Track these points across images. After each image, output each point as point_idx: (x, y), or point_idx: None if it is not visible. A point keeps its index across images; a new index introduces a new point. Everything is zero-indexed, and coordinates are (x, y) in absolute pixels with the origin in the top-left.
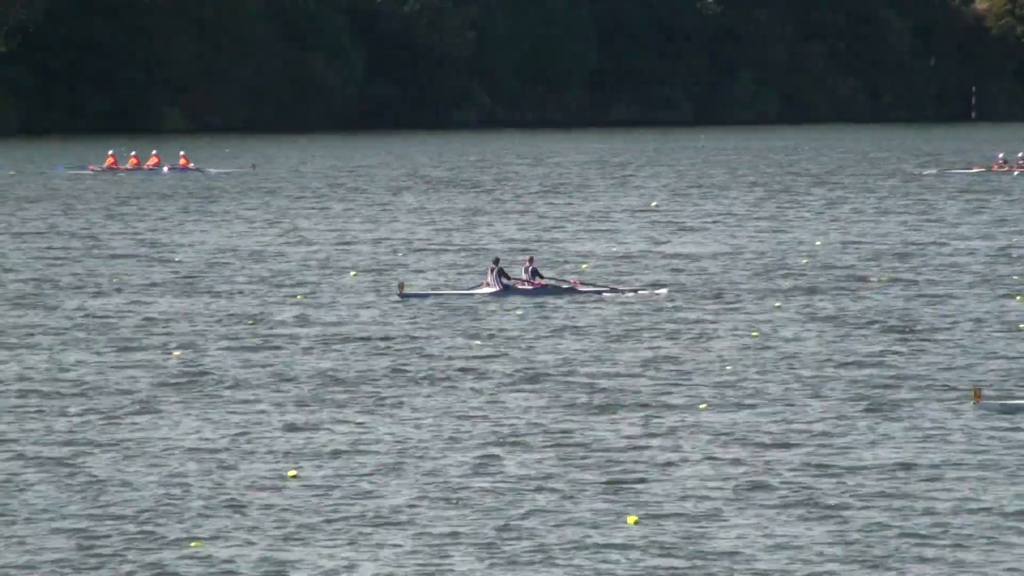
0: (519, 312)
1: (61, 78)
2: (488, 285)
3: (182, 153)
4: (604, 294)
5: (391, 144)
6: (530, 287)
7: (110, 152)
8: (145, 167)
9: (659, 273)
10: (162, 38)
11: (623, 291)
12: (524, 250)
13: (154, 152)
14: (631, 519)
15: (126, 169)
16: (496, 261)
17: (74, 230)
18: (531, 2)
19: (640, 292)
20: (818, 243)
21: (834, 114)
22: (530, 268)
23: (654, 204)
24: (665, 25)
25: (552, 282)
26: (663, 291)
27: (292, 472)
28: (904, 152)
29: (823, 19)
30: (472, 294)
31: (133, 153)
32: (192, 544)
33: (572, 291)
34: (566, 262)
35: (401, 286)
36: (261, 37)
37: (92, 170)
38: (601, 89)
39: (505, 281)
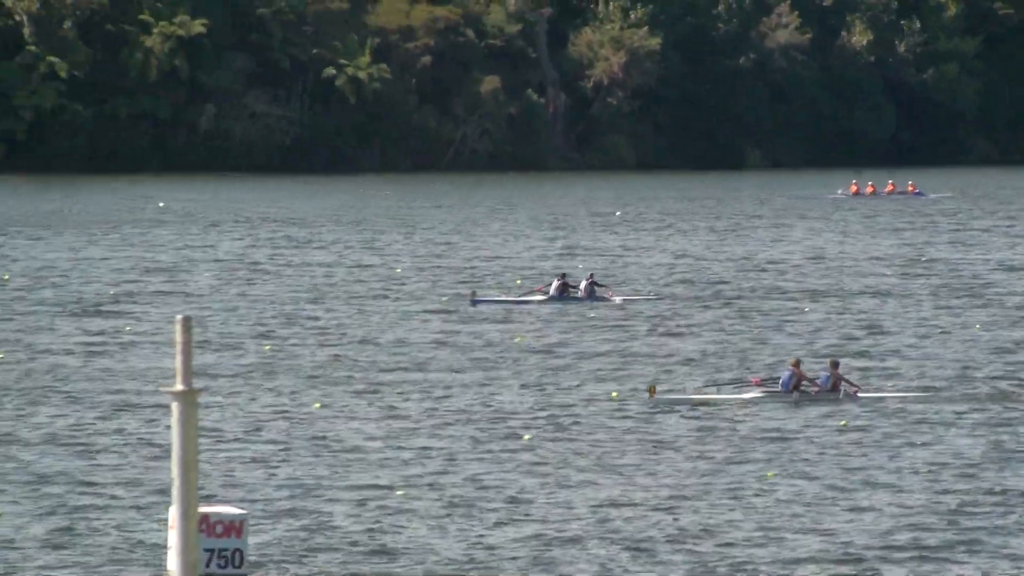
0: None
1: (670, 127)
2: (541, 292)
3: (910, 182)
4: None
5: (940, 176)
6: (584, 297)
7: (853, 182)
8: (883, 192)
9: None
10: (745, 95)
11: (631, 299)
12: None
13: (890, 181)
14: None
15: (867, 194)
16: (563, 276)
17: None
18: None
19: (649, 299)
20: None
21: None
22: (590, 282)
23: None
24: None
25: (599, 290)
26: (618, 299)
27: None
28: None
29: None
30: (528, 300)
31: (870, 183)
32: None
33: (605, 300)
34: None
35: (473, 294)
36: (818, 94)
37: (841, 195)
38: None
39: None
